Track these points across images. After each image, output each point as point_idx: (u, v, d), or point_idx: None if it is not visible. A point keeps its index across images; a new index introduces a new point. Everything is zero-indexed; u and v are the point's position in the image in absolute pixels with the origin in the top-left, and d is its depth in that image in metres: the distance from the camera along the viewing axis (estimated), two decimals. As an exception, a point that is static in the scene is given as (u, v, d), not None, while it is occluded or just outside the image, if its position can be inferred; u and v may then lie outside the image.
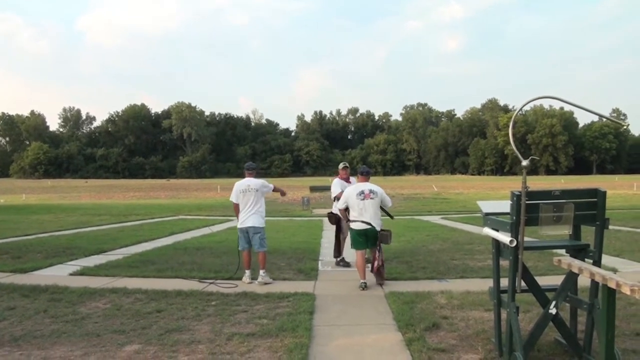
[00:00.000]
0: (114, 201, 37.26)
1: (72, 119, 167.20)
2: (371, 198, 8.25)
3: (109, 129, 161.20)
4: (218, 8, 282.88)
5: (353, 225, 8.30)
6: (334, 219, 9.93)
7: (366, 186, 8.39)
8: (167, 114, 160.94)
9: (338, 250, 10.03)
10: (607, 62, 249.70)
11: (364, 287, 7.98)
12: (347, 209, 8.53)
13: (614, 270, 8.19)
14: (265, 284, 8.36)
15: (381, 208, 8.64)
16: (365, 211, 8.21)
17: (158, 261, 10.24)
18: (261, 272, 8.51)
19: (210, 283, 8.28)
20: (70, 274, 9.12)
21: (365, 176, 8.70)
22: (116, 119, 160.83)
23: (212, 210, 25.60)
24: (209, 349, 5.13)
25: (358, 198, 8.23)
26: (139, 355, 5.01)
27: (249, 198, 8.69)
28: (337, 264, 9.94)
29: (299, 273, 9.19)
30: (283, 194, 9.78)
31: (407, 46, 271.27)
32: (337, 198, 9.27)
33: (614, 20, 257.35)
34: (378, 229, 8.24)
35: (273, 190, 9.14)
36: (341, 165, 9.98)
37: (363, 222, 8.18)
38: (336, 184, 9.73)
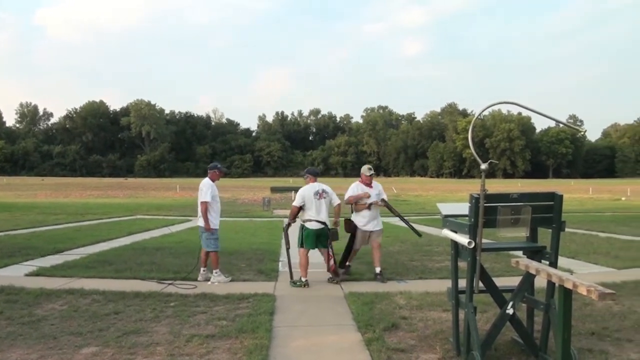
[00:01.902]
0: (70, 200, 36.42)
1: (29, 114, 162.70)
2: (324, 197, 8.47)
3: (67, 126, 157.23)
4: (180, 5, 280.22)
5: (309, 225, 8.39)
6: (350, 226, 8.95)
7: (320, 186, 8.58)
8: (125, 111, 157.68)
9: (345, 259, 9.10)
10: (565, 70, 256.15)
11: (306, 284, 8.19)
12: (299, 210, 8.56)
13: (570, 272, 8.41)
14: (218, 282, 8.35)
15: (411, 228, 9.65)
16: (321, 211, 8.40)
17: (116, 261, 10.06)
18: (213, 272, 8.53)
19: (169, 284, 8.17)
20: (26, 275, 8.89)
21: (315, 176, 8.78)
22: (74, 115, 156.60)
23: (171, 210, 25.24)
24: (168, 351, 5.07)
25: (315, 197, 8.40)
26: (96, 357, 4.92)
27: (200, 196, 8.73)
28: (344, 273, 8.93)
29: (260, 274, 9.16)
30: (207, 228, 8.61)
31: (369, 49, 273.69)
32: (348, 202, 8.91)
33: (572, 30, 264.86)
34: (328, 227, 8.51)
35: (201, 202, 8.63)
36: (367, 171, 8.95)
37: (318, 221, 8.37)
38: (353, 188, 8.97)
